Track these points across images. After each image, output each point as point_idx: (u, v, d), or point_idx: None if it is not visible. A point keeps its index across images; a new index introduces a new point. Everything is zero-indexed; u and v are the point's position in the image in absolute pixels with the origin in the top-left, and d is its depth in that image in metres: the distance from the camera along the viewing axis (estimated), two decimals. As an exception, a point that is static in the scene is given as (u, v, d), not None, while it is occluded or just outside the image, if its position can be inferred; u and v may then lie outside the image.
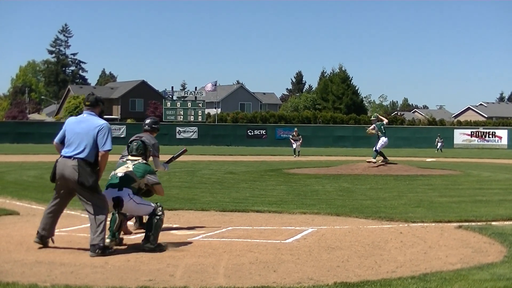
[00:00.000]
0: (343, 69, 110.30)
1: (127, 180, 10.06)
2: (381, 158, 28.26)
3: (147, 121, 12.20)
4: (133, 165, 10.26)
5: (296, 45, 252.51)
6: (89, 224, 9.62)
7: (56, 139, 9.91)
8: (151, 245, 9.77)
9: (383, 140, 27.84)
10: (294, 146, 48.21)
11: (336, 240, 10.79)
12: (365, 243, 10.47)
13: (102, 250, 9.34)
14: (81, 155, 9.57)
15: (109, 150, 9.72)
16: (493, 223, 12.59)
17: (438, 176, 26.66)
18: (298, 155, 47.04)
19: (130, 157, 10.50)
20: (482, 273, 8.14)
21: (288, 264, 8.75)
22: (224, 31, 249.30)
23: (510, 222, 12.76)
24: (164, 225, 11.64)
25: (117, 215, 10.10)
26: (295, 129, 51.58)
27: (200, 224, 12.10)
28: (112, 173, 10.22)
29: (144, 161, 10.48)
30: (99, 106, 10.07)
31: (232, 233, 11.47)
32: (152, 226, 9.89)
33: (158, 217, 9.98)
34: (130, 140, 10.81)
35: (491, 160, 43.39)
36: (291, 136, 49.91)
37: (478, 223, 12.50)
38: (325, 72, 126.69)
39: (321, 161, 38.75)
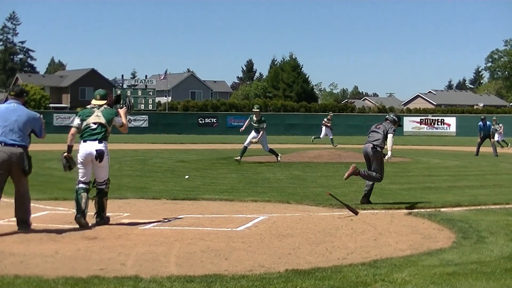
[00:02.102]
0: (293, 57, 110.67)
1: (104, 130, 10.93)
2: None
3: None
4: (101, 111, 11.07)
5: (247, 33, 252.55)
6: (39, 213, 9.77)
7: None
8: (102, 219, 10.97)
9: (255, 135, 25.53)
10: (330, 135, 41.96)
11: (287, 227, 10.83)
12: (316, 230, 10.54)
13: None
14: (24, 143, 10.22)
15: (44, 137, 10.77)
16: (442, 209, 12.77)
17: (388, 163, 26.82)
18: (334, 144, 40.47)
19: (95, 101, 11.30)
20: (431, 259, 8.25)
21: (239, 252, 8.77)
22: (174, 19, 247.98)
23: (459, 209, 12.95)
24: (115, 214, 11.62)
25: (83, 194, 10.76)
26: (330, 113, 45.91)
27: (151, 213, 12.03)
28: (84, 123, 10.95)
29: (109, 107, 11.30)
30: (23, 97, 10.74)
31: (184, 221, 11.45)
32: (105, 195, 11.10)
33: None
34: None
35: (440, 147, 43.91)
36: (324, 121, 42.70)
37: (428, 210, 12.67)
38: (276, 60, 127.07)
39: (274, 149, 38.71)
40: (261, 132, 24.69)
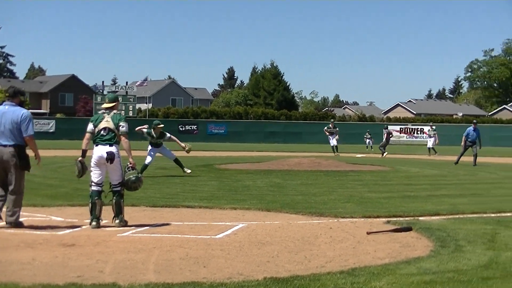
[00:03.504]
0: (274, 65, 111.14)
1: (114, 135, 11.48)
2: None
3: None
4: (110, 117, 11.63)
5: (228, 41, 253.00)
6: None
7: None
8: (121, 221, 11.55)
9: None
10: (332, 142, 43.53)
11: (267, 235, 10.83)
12: (295, 238, 10.54)
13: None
14: (16, 142, 11.01)
15: (32, 134, 11.19)
16: (421, 218, 12.81)
17: (368, 172, 26.99)
18: (337, 151, 42.74)
19: (105, 105, 11.87)
20: (409, 267, 8.27)
21: (218, 260, 8.75)
22: (155, 26, 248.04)
23: (437, 217, 13.00)
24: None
25: (97, 201, 11.36)
26: (332, 120, 47.73)
27: (130, 220, 11.99)
28: (95, 129, 11.57)
29: (119, 112, 12.10)
30: (18, 97, 11.38)
31: (163, 228, 11.42)
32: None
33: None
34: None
35: (419, 156, 44.08)
36: (326, 128, 44.54)
37: (406, 218, 12.69)
38: (257, 68, 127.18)
39: (253, 157, 38.80)
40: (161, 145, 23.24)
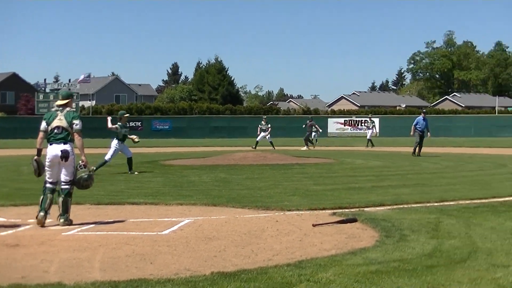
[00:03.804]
0: (219, 60, 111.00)
1: (68, 133, 11.38)
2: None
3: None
4: (63, 114, 11.48)
5: (172, 36, 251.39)
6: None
7: None
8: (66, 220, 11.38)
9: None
10: (259, 137, 44.41)
11: (213, 230, 10.81)
12: (242, 233, 10.55)
13: None
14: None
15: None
16: (366, 209, 12.92)
17: (313, 164, 27.14)
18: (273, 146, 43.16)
19: (58, 102, 11.76)
20: (356, 258, 8.35)
21: (165, 256, 8.71)
22: (98, 22, 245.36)
23: (382, 208, 13.13)
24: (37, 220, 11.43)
25: (49, 194, 11.34)
26: (264, 117, 47.67)
27: (75, 218, 11.85)
28: (49, 127, 11.43)
29: (73, 109, 11.95)
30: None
31: (108, 226, 11.33)
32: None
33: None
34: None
35: (364, 148, 44.45)
36: (260, 126, 45.13)
37: (352, 210, 12.80)
38: (201, 63, 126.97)
39: (198, 152, 38.77)
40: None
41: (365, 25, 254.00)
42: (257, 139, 44.81)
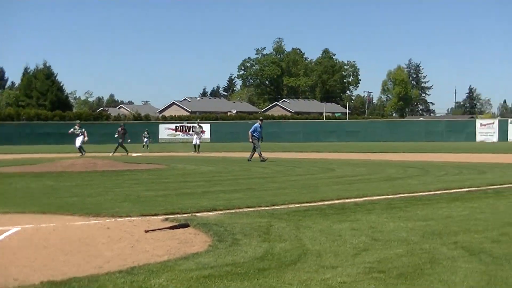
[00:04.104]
0: (47, 65, 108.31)
1: None
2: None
3: None
4: None
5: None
6: None
7: None
8: None
9: None
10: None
11: (42, 238, 10.50)
12: (72, 240, 10.31)
13: None
14: None
15: None
16: (198, 214, 12.97)
17: (144, 170, 27.01)
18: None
19: None
20: (188, 263, 8.35)
21: (-10, 267, 8.37)
22: None
23: (214, 213, 13.22)
24: None
25: None
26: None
27: None
28: None
29: None
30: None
31: None
32: None
33: None
34: None
35: (193, 154, 44.62)
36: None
37: (184, 215, 12.80)
38: (29, 68, 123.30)
39: (25, 159, 37.62)
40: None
41: (196, 31, 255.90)
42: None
